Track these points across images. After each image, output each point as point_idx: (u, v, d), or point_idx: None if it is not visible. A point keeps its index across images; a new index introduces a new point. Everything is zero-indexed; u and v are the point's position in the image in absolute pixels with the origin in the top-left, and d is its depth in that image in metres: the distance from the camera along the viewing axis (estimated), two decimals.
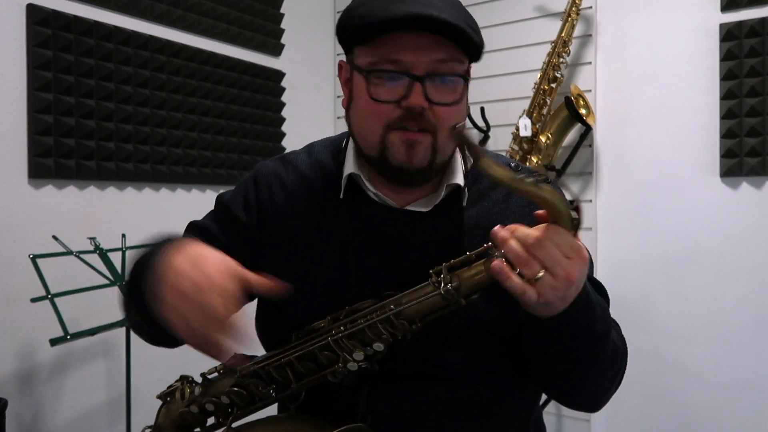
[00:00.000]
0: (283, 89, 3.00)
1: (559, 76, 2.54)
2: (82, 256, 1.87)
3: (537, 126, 2.54)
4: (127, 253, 2.02)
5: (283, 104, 3.01)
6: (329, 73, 3.32)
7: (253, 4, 2.84)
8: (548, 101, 2.54)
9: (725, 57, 2.35)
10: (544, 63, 2.55)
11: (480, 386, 0.98)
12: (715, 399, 2.39)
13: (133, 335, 2.01)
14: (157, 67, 2.42)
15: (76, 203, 2.19)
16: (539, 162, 2.54)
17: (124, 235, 2.06)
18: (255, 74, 2.84)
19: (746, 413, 2.33)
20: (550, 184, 0.77)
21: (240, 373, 0.96)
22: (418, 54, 0.90)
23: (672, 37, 2.49)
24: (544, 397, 1.11)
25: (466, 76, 0.95)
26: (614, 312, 1.01)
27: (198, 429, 1.03)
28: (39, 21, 2.05)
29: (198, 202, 2.59)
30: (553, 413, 2.63)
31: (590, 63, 2.64)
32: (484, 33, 0.98)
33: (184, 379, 1.04)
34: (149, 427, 1.05)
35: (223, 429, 1.00)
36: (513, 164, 1.07)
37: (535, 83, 2.56)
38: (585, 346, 0.88)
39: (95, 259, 1.94)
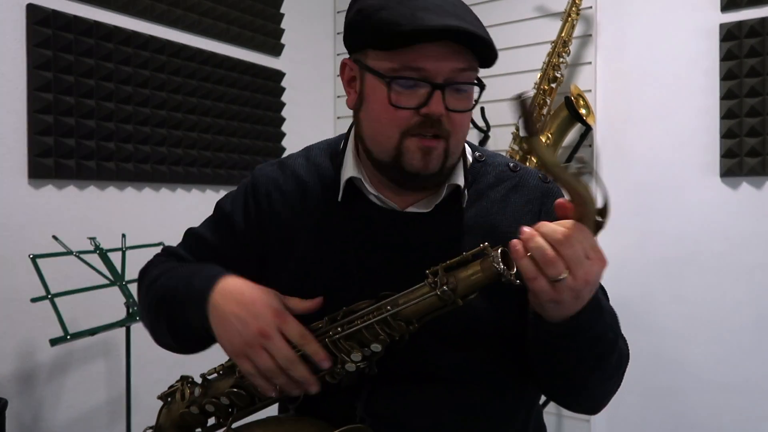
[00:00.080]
0: (283, 89, 3.00)
1: (559, 76, 2.54)
2: (82, 256, 1.87)
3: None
4: (127, 253, 2.02)
5: (283, 104, 3.01)
6: (329, 73, 3.32)
7: (253, 4, 2.84)
8: (548, 101, 2.54)
9: (725, 57, 2.35)
10: (544, 63, 2.55)
11: (479, 387, 0.98)
12: (715, 399, 2.39)
13: (133, 335, 2.01)
14: (157, 67, 2.43)
15: (76, 203, 2.19)
16: (539, 162, 2.54)
17: (124, 235, 2.06)
18: (255, 74, 2.85)
19: (746, 413, 2.33)
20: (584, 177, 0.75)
21: (239, 373, 0.96)
22: (439, 62, 0.89)
23: (672, 37, 2.49)
24: (543, 397, 1.11)
25: (482, 84, 0.96)
26: None
27: (199, 429, 1.03)
28: (39, 21, 2.06)
29: (198, 202, 2.59)
30: (553, 413, 2.63)
31: (590, 63, 2.64)
32: None
33: (185, 380, 1.04)
34: (150, 427, 1.06)
35: (223, 429, 1.00)
36: (512, 164, 1.07)
37: (535, 83, 2.56)
38: (594, 353, 0.87)
39: (95, 259, 1.94)
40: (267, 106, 2.91)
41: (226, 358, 1.01)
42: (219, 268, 1.01)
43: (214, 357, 1.13)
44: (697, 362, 2.43)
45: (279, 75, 2.98)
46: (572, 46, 2.56)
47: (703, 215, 2.42)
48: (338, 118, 3.32)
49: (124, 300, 1.94)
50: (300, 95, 3.10)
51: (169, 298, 1.02)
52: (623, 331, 1.01)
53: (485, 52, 0.92)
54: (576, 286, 0.76)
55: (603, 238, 0.79)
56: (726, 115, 2.35)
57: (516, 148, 2.59)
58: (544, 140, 2.52)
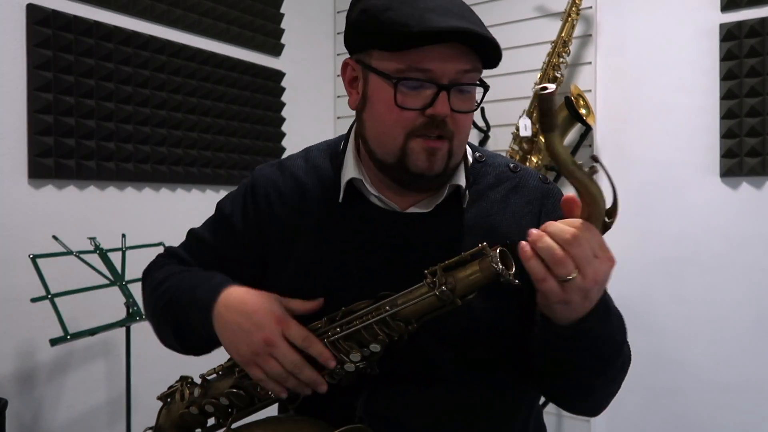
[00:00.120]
0: (283, 89, 3.00)
1: (559, 76, 2.54)
2: (82, 256, 1.87)
3: (537, 126, 2.54)
4: (127, 253, 2.03)
5: (283, 104, 3.01)
6: (329, 73, 3.32)
7: (253, 4, 2.84)
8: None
9: (725, 57, 2.35)
10: (544, 63, 2.55)
11: (479, 387, 0.98)
12: (715, 399, 2.39)
13: (133, 335, 2.01)
14: (157, 67, 2.43)
15: (76, 203, 2.19)
16: (539, 162, 2.54)
17: (124, 235, 2.06)
18: (255, 74, 2.85)
19: (746, 413, 2.33)
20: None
21: (239, 374, 0.96)
22: (445, 64, 0.90)
23: (672, 37, 2.49)
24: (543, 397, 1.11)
25: (486, 85, 0.96)
26: None
27: (198, 430, 1.03)
28: (39, 21, 2.06)
29: (198, 202, 2.59)
30: (553, 413, 2.63)
31: (590, 63, 2.64)
32: None
33: (184, 381, 1.04)
34: (150, 428, 1.06)
35: (223, 430, 1.00)
36: (512, 165, 1.07)
37: (535, 83, 2.56)
38: (601, 355, 0.87)
39: (95, 259, 1.94)
40: (267, 106, 2.91)
41: (226, 358, 1.01)
42: (221, 277, 1.03)
43: (214, 357, 1.14)
44: (697, 362, 2.43)
45: (279, 75, 2.98)
46: (572, 46, 2.56)
47: (703, 215, 2.42)
48: (338, 118, 3.33)
49: (124, 300, 1.94)
50: (300, 95, 3.10)
51: (174, 306, 1.04)
52: None
53: (490, 54, 0.92)
54: (585, 285, 0.76)
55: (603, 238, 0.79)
56: (726, 115, 2.35)
57: (516, 148, 2.59)
58: (544, 140, 2.52)
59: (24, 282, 1.93)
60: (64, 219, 2.14)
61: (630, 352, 0.97)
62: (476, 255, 0.85)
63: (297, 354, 0.90)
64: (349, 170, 1.02)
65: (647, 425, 2.53)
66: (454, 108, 0.91)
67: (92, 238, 1.99)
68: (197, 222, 1.20)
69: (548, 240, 0.76)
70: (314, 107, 3.24)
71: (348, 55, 1.01)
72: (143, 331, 2.20)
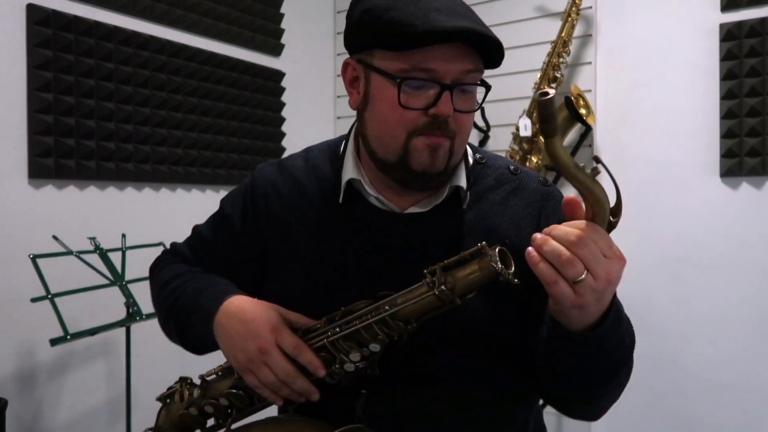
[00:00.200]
0: (283, 89, 3.00)
1: (559, 76, 2.54)
2: (82, 256, 1.87)
3: (537, 126, 2.54)
4: (127, 253, 2.03)
5: (283, 104, 3.01)
6: (329, 73, 3.32)
7: (253, 4, 2.84)
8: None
9: (725, 57, 2.35)
10: (544, 63, 2.55)
11: (478, 388, 0.98)
12: (715, 399, 2.39)
13: (133, 335, 2.02)
14: (157, 67, 2.43)
15: (76, 203, 2.19)
16: (539, 162, 2.54)
17: (124, 235, 2.06)
18: (255, 74, 2.85)
19: (746, 414, 2.33)
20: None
21: (238, 374, 0.96)
22: (449, 63, 0.90)
23: (672, 37, 2.49)
24: None
25: (488, 85, 0.96)
26: None
27: (198, 430, 1.03)
28: (39, 21, 2.06)
29: (198, 202, 2.59)
30: (553, 413, 2.63)
31: (590, 63, 2.64)
32: None
33: (183, 381, 1.04)
34: (150, 429, 1.06)
35: (222, 430, 1.00)
36: (512, 167, 1.07)
37: (535, 83, 2.56)
38: (612, 362, 0.86)
39: (95, 259, 1.94)
40: (267, 106, 2.91)
41: (225, 359, 1.01)
42: (225, 284, 1.05)
43: (214, 357, 1.14)
44: (697, 362, 2.43)
45: (279, 75, 2.98)
46: (572, 46, 2.56)
47: (703, 215, 2.42)
48: (338, 118, 3.32)
49: (124, 300, 1.94)
50: (300, 95, 3.10)
51: (178, 309, 1.06)
52: None
53: (493, 54, 0.92)
54: (597, 286, 0.74)
55: None
56: (726, 115, 2.35)
57: (516, 148, 2.59)
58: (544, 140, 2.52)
59: (24, 282, 1.93)
60: (64, 219, 2.14)
61: (633, 358, 0.96)
62: (475, 254, 0.85)
63: (289, 363, 0.91)
64: (349, 171, 1.03)
65: (647, 425, 2.53)
66: (456, 108, 0.92)
67: (92, 238, 1.99)
68: (196, 222, 1.21)
69: (553, 243, 0.75)
70: (314, 107, 3.24)
71: (348, 55, 1.01)
72: (143, 331, 2.21)
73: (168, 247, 1.24)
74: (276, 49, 2.98)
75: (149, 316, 1.94)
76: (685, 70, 2.46)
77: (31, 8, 2.05)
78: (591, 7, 2.62)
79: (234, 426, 0.98)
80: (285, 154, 2.94)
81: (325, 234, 1.03)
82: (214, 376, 1.02)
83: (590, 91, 2.61)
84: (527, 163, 2.56)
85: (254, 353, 0.91)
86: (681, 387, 2.46)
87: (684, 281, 2.46)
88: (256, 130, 2.85)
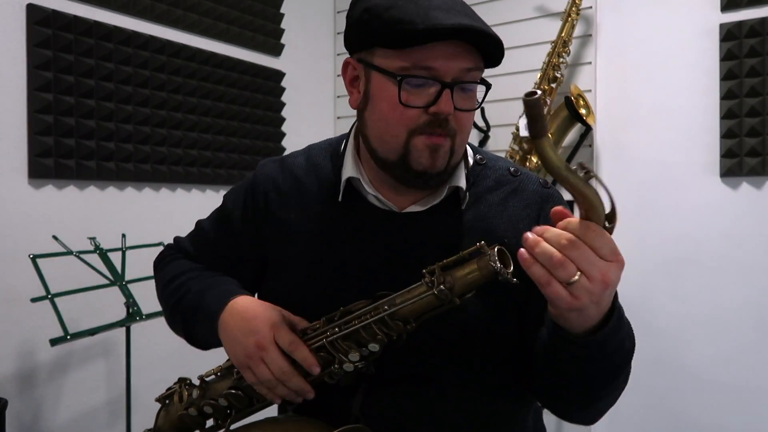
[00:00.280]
0: (283, 89, 3.00)
1: (559, 76, 2.54)
2: (82, 256, 1.88)
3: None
4: (127, 253, 2.03)
5: (283, 104, 3.01)
6: (329, 73, 3.32)
7: (253, 4, 2.84)
8: (548, 101, 2.54)
9: (725, 57, 2.35)
10: (544, 63, 2.55)
11: (476, 389, 0.98)
12: (715, 399, 2.39)
13: (133, 335, 2.02)
14: (157, 67, 2.43)
15: (76, 203, 2.19)
16: (539, 162, 2.54)
17: (124, 235, 2.06)
18: (255, 74, 2.85)
19: (746, 413, 2.33)
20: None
21: (237, 375, 0.96)
22: (449, 62, 0.90)
23: (672, 37, 2.49)
24: None
25: (488, 84, 0.96)
26: None
27: (197, 431, 1.03)
28: (39, 21, 2.06)
29: (198, 202, 2.60)
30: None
31: (590, 63, 2.64)
32: None
33: (182, 382, 1.04)
34: (149, 429, 1.06)
35: (222, 431, 1.00)
36: (513, 169, 1.07)
37: (535, 83, 2.56)
38: (612, 365, 0.85)
39: (95, 259, 1.94)
40: (267, 106, 2.91)
41: (225, 359, 1.01)
42: (229, 283, 1.06)
43: (214, 358, 1.14)
44: (697, 362, 2.43)
45: (279, 75, 2.98)
46: (572, 46, 2.56)
47: (703, 215, 2.42)
48: (338, 118, 3.32)
49: (124, 300, 1.95)
50: (300, 95, 3.10)
51: (184, 308, 1.07)
52: None
53: (493, 52, 0.92)
54: (593, 287, 0.72)
55: None
56: (726, 115, 2.35)
57: (516, 148, 2.59)
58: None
59: (24, 282, 1.93)
60: (64, 219, 2.14)
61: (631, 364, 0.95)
62: (474, 254, 0.85)
63: (285, 361, 0.91)
64: (348, 169, 1.03)
65: (647, 425, 2.53)
66: (457, 106, 0.92)
67: (92, 238, 1.99)
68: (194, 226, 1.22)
69: (545, 245, 0.73)
70: (314, 107, 3.24)
71: (349, 55, 1.01)
72: (143, 331, 2.21)
73: (171, 242, 1.25)
74: (276, 49, 2.98)
75: (149, 316, 1.95)
76: (685, 70, 2.46)
77: (31, 8, 2.05)
78: (591, 7, 2.62)
79: (233, 426, 0.98)
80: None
81: (324, 232, 1.03)
82: (213, 376, 1.02)
83: (590, 91, 2.61)
84: (527, 163, 2.55)
85: (252, 349, 0.92)
86: (681, 387, 2.46)
87: (684, 281, 2.46)
88: (256, 130, 2.85)
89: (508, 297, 0.95)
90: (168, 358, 2.37)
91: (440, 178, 0.97)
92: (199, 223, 1.20)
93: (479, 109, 2.66)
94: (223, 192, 2.60)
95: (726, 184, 2.38)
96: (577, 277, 0.72)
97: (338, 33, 3.33)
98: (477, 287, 0.85)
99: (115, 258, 2.00)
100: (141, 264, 1.90)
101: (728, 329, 2.37)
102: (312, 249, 1.03)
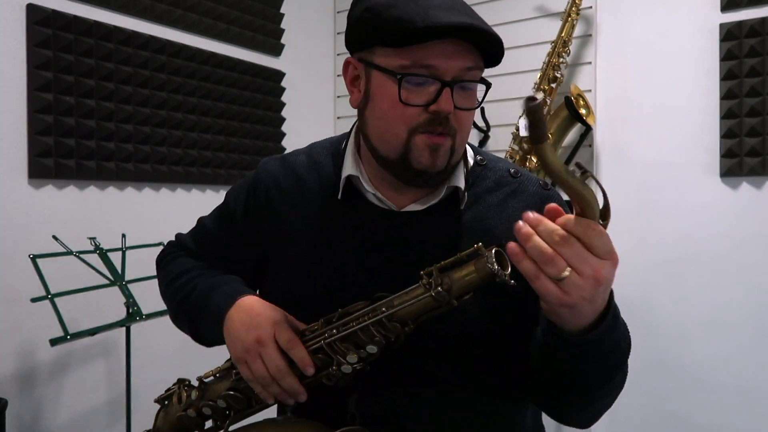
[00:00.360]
0: (283, 89, 3.00)
1: (559, 76, 2.54)
2: (82, 256, 1.88)
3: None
4: (127, 253, 2.03)
5: (283, 104, 3.01)
6: (329, 73, 3.32)
7: (253, 4, 2.84)
8: (548, 101, 2.54)
9: (725, 57, 2.35)
10: (544, 63, 2.55)
11: (474, 389, 0.98)
12: (715, 399, 2.39)
13: (133, 335, 2.02)
14: (157, 67, 2.43)
15: (76, 203, 2.19)
16: (539, 162, 2.54)
17: (124, 235, 2.06)
18: (255, 74, 2.85)
19: (746, 414, 2.33)
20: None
21: (236, 376, 0.96)
22: (449, 60, 0.90)
23: (672, 37, 2.49)
24: None
25: (488, 83, 0.97)
26: None
27: None
28: (39, 21, 2.06)
29: (198, 202, 2.60)
30: None
31: (590, 63, 2.64)
32: None
33: (181, 383, 1.05)
34: (148, 430, 1.06)
35: None
36: (513, 170, 1.07)
37: (535, 83, 2.56)
38: (607, 366, 0.85)
39: (95, 259, 1.94)
40: (267, 106, 2.91)
41: (225, 359, 1.01)
42: (236, 282, 1.07)
43: (214, 358, 1.14)
44: (697, 362, 2.43)
45: (279, 75, 2.98)
46: (572, 46, 2.56)
47: (703, 215, 2.42)
48: (338, 118, 3.32)
49: (124, 300, 1.95)
50: (300, 95, 3.10)
51: (190, 305, 1.08)
52: None
53: (493, 51, 0.93)
54: (583, 284, 0.71)
55: None
56: (726, 115, 2.35)
57: (516, 148, 2.59)
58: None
59: (24, 282, 1.93)
60: (64, 219, 2.14)
61: (628, 364, 0.94)
62: (472, 255, 0.85)
63: (282, 359, 0.91)
64: (348, 167, 1.03)
65: (647, 426, 2.53)
66: (457, 105, 0.92)
67: (92, 238, 1.99)
68: (195, 223, 1.22)
69: (536, 240, 0.72)
70: (314, 107, 3.24)
71: (349, 55, 1.02)
72: (143, 331, 2.21)
73: (172, 239, 1.26)
74: (276, 49, 2.98)
75: (149, 316, 1.95)
76: (685, 70, 2.46)
77: (31, 8, 2.05)
78: (591, 7, 2.62)
79: (232, 428, 0.98)
80: None
81: (323, 230, 1.04)
82: (212, 378, 1.02)
83: (590, 91, 2.61)
84: (527, 164, 2.55)
85: (251, 344, 0.92)
86: (681, 387, 2.46)
87: (684, 281, 2.46)
88: (256, 130, 2.85)
89: (506, 297, 0.95)
90: (168, 359, 2.38)
91: (440, 177, 0.97)
92: (200, 221, 1.21)
93: (479, 109, 2.68)
94: (223, 192, 2.61)
95: (726, 184, 2.38)
96: (567, 273, 0.71)
97: (338, 33, 3.33)
98: (474, 289, 0.85)
99: (115, 258, 2.00)
100: (141, 264, 1.90)
101: (728, 329, 2.37)
102: (311, 247, 1.04)
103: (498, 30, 0.93)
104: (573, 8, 2.52)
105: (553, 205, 0.75)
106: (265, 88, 2.90)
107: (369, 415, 0.96)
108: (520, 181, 1.06)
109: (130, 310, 1.94)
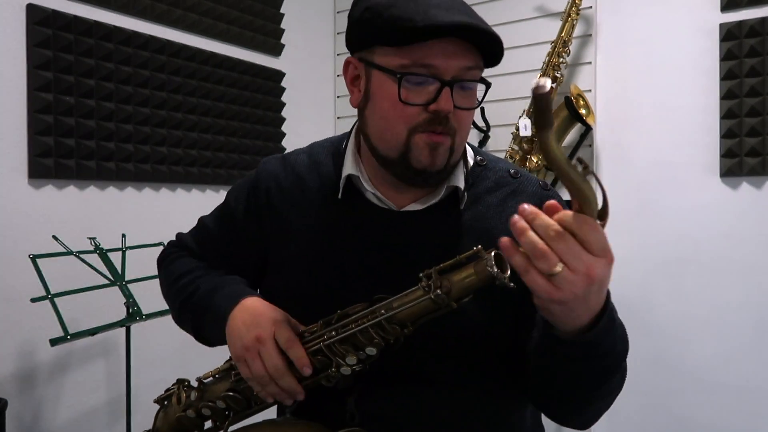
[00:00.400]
0: (283, 89, 3.00)
1: (559, 76, 2.54)
2: (82, 256, 1.88)
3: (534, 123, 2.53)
4: (127, 253, 2.03)
5: (283, 104, 3.01)
6: (329, 73, 3.32)
7: (253, 4, 2.84)
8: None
9: (725, 57, 2.35)
10: (544, 63, 2.55)
11: (473, 389, 0.98)
12: (715, 400, 2.39)
13: (133, 335, 2.02)
14: (157, 67, 2.43)
15: (76, 203, 2.19)
16: (539, 162, 2.54)
17: (124, 235, 2.06)
18: (255, 74, 2.85)
19: (746, 414, 2.33)
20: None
21: (235, 377, 0.96)
22: (449, 60, 0.90)
23: (672, 37, 2.49)
24: None
25: (488, 82, 0.97)
26: None
27: None
28: (39, 21, 2.06)
29: (198, 202, 2.60)
30: None
31: (590, 63, 2.64)
32: None
33: (181, 384, 1.05)
34: (148, 431, 1.06)
35: None
36: (513, 171, 1.07)
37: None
38: (603, 367, 0.84)
39: (95, 259, 1.94)
40: (267, 106, 2.91)
41: (225, 360, 1.01)
42: (239, 283, 1.07)
43: (214, 358, 1.14)
44: (697, 362, 2.43)
45: (279, 75, 2.98)
46: (572, 46, 2.56)
47: (703, 215, 2.42)
48: (338, 118, 3.32)
49: (124, 300, 1.95)
50: (300, 95, 3.10)
51: (193, 305, 1.08)
52: None
53: (493, 51, 0.93)
54: (576, 280, 0.70)
55: None
56: (726, 115, 2.35)
57: (516, 148, 2.59)
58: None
59: (24, 282, 1.93)
60: (64, 219, 2.14)
61: (626, 366, 0.93)
62: (471, 258, 0.85)
63: (280, 359, 0.91)
64: (348, 167, 1.04)
65: (647, 426, 2.53)
66: (456, 104, 0.92)
67: (92, 238, 1.99)
68: (196, 222, 1.22)
69: (530, 234, 0.71)
70: (314, 107, 3.24)
71: (349, 55, 1.02)
72: (143, 331, 2.21)
73: (177, 235, 1.26)
74: (276, 49, 2.98)
75: (149, 316, 1.95)
76: (685, 70, 2.46)
77: (31, 8, 2.05)
78: (591, 7, 2.62)
79: (231, 428, 0.98)
80: None
81: (323, 229, 1.04)
82: (211, 378, 1.02)
83: (590, 91, 2.61)
84: (527, 164, 2.55)
85: (251, 341, 0.92)
86: (681, 387, 2.46)
87: (684, 281, 2.46)
88: (256, 130, 2.85)
89: (505, 299, 0.95)
90: (168, 359, 2.38)
91: (440, 176, 0.98)
92: (201, 220, 1.21)
93: (479, 109, 2.68)
94: (223, 192, 2.61)
95: (726, 184, 2.38)
96: (559, 269, 0.70)
97: (338, 33, 3.33)
98: (474, 291, 0.85)
99: (115, 258, 2.00)
100: (141, 264, 1.90)
101: (728, 329, 2.37)
102: (311, 246, 1.04)
103: (498, 30, 0.93)
104: (573, 8, 2.52)
105: (552, 201, 0.74)
106: (265, 88, 2.90)
107: (368, 416, 0.96)
108: (519, 182, 1.06)
109: (130, 310, 1.94)
